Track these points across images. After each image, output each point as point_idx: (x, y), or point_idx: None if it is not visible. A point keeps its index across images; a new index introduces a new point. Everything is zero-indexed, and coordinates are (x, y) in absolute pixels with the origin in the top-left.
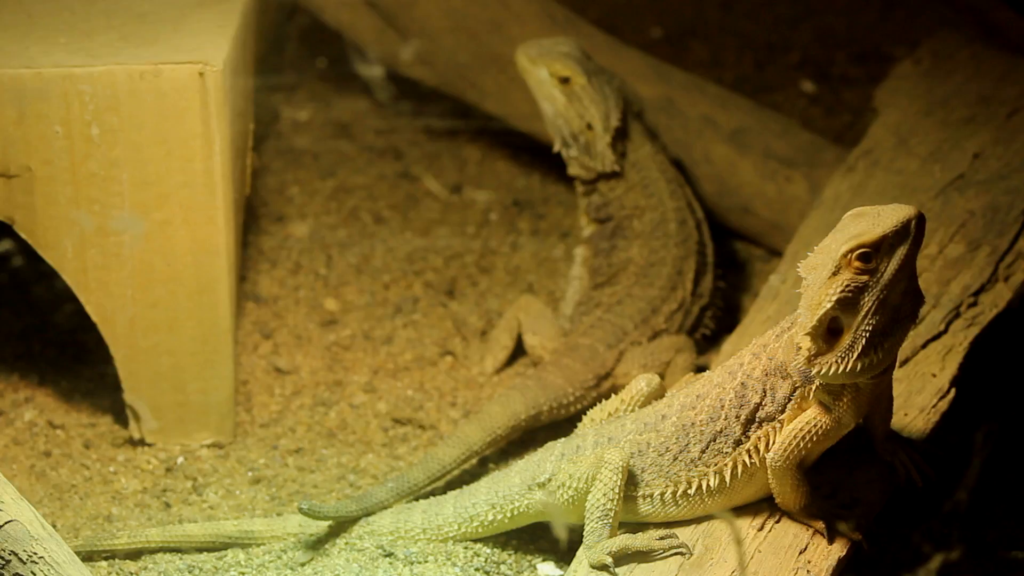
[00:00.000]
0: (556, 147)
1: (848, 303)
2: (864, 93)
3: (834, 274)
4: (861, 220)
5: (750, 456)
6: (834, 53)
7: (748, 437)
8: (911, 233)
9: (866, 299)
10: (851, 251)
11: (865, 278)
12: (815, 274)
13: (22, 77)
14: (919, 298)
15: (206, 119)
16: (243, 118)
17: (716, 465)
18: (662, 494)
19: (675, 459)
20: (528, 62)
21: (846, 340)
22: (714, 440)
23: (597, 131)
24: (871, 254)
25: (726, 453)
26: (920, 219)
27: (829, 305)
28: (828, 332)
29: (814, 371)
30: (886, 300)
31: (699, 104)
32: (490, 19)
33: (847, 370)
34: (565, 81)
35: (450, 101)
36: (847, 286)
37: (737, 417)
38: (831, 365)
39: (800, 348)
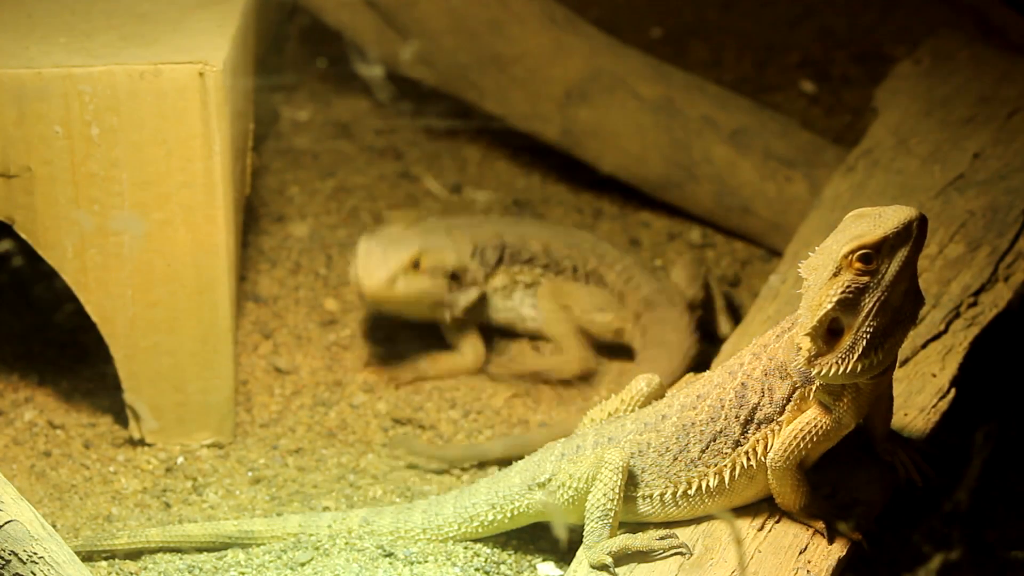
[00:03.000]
0: (448, 319)
1: (849, 304)
2: (864, 93)
3: (835, 275)
4: (862, 221)
5: (750, 457)
6: (834, 53)
7: (748, 438)
8: (912, 234)
9: (867, 300)
10: (852, 252)
11: (866, 279)
12: (816, 275)
13: (22, 77)
14: (919, 299)
15: (206, 119)
16: (243, 118)
17: (716, 465)
18: (662, 494)
19: (675, 459)
20: (386, 285)
21: (846, 341)
22: (714, 440)
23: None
24: (872, 255)
25: (726, 453)
26: (922, 220)
27: (830, 306)
28: (828, 333)
29: (814, 372)
30: (887, 301)
31: (699, 104)
32: (490, 19)
33: (847, 371)
34: (416, 266)
35: (450, 101)
36: (848, 287)
37: (737, 417)
38: (831, 366)
39: (800, 348)
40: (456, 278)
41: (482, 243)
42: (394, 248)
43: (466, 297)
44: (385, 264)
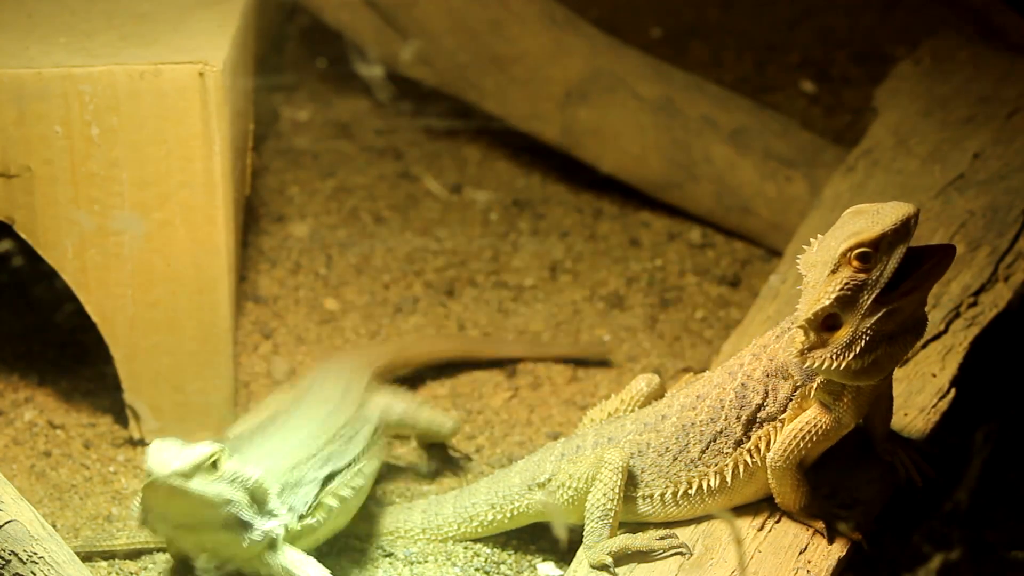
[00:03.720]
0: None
1: (847, 301)
2: (864, 93)
3: (833, 272)
4: (860, 218)
5: (750, 456)
6: (834, 53)
7: (748, 437)
8: (911, 232)
9: (865, 297)
10: (850, 250)
11: (864, 276)
12: (815, 272)
13: (22, 77)
14: (924, 318)
15: (206, 119)
16: (243, 118)
17: (716, 465)
18: (662, 494)
19: (675, 459)
20: (181, 476)
21: (842, 336)
22: (714, 440)
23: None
24: (870, 253)
25: (726, 453)
26: (951, 250)
27: (828, 302)
28: (824, 327)
29: (806, 364)
30: (885, 299)
31: (699, 104)
32: (490, 19)
33: (839, 367)
34: (214, 466)
35: (450, 101)
36: (846, 284)
37: (737, 417)
38: (824, 360)
39: (794, 340)
40: (257, 502)
41: (299, 472)
42: (192, 445)
43: (275, 528)
44: (181, 455)
